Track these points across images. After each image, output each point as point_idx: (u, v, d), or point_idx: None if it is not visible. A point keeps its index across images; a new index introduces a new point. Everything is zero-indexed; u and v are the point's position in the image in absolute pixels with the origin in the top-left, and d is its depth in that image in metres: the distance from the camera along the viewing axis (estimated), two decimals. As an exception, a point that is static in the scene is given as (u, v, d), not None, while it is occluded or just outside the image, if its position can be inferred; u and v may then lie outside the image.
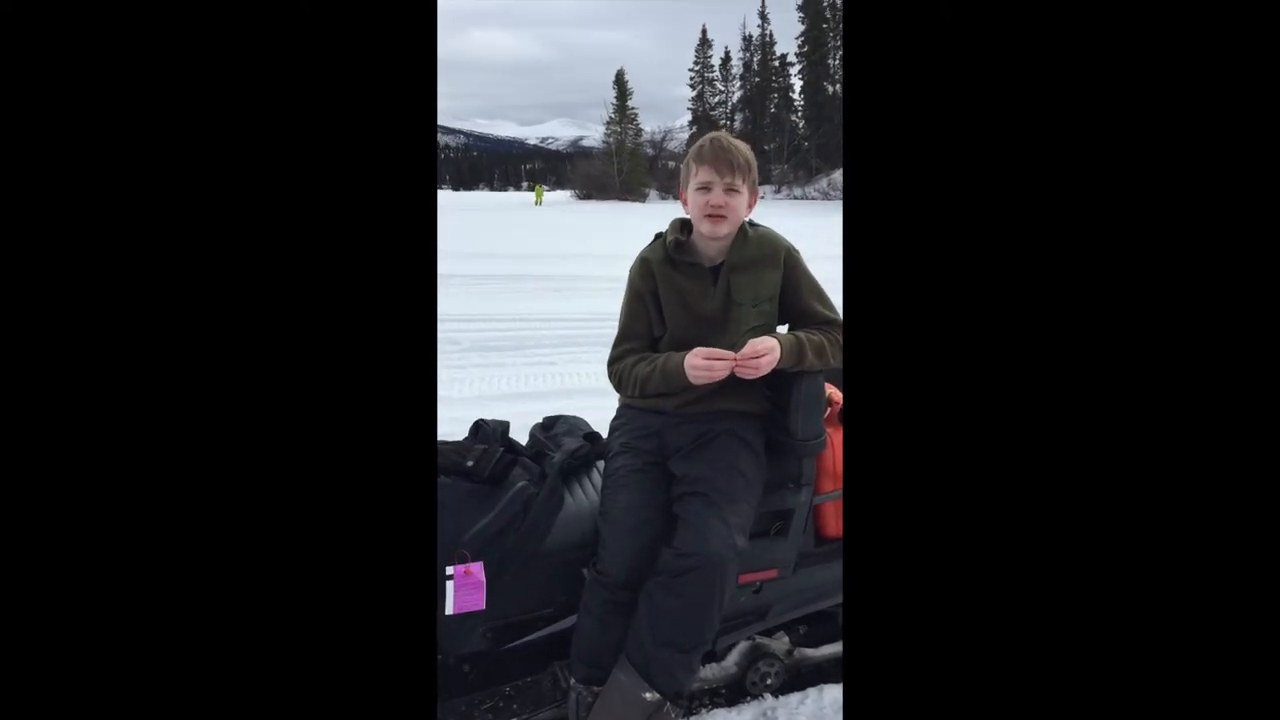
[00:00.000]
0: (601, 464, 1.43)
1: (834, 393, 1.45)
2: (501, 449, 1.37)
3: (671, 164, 41.51)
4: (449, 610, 1.20)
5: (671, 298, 1.35)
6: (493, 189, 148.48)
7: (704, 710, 1.44)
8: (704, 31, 42.99)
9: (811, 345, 1.29)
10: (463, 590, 1.21)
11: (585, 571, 1.28)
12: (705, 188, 1.29)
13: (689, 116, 43.49)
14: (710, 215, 1.29)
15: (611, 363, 1.40)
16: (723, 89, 42.47)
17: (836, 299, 1.22)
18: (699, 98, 42.46)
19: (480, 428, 1.46)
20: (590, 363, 4.01)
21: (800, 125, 38.26)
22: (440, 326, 4.72)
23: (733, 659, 1.47)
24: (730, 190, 1.29)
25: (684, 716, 1.28)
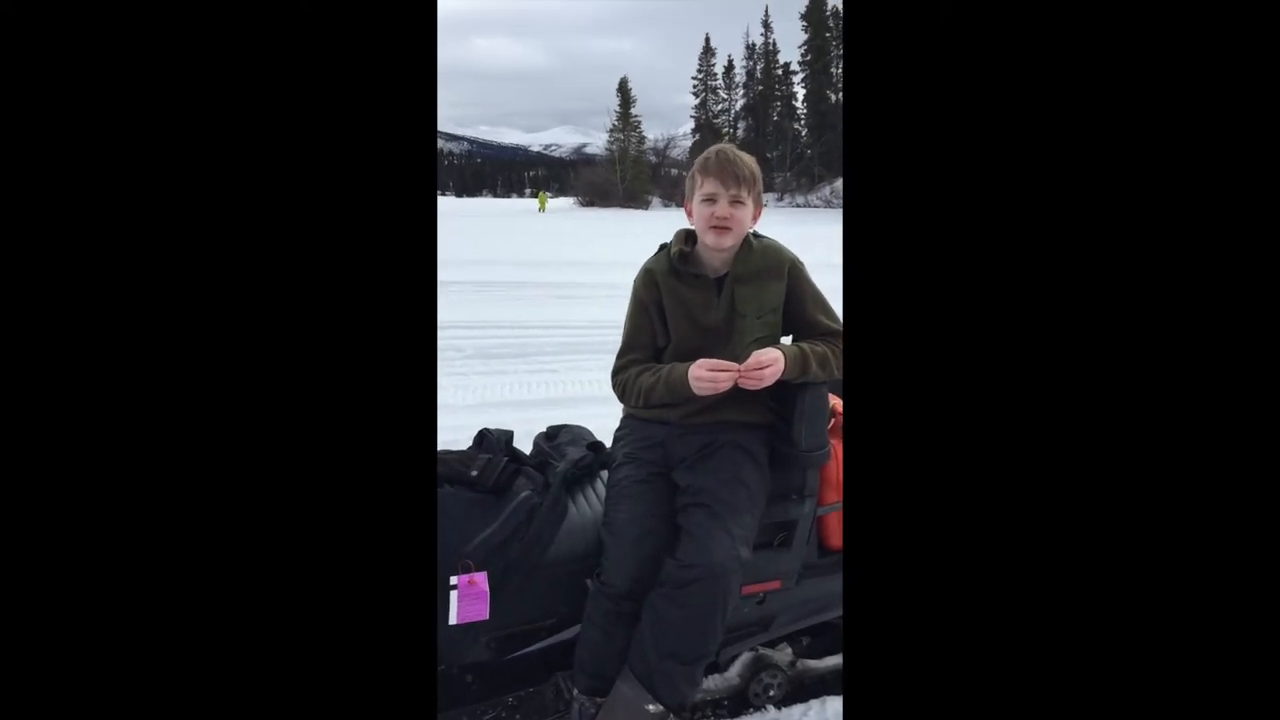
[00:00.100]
0: (605, 474, 1.43)
1: (838, 404, 1.45)
2: (505, 458, 1.37)
3: (674, 171, 41.65)
4: (452, 620, 1.20)
5: (676, 309, 1.35)
6: (496, 195, 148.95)
7: (706, 721, 1.43)
8: (707, 40, 43.21)
9: (815, 356, 1.30)
10: (466, 600, 1.21)
11: (589, 582, 1.28)
12: (711, 199, 1.30)
13: (692, 124, 43.64)
14: (715, 227, 1.30)
15: (616, 373, 1.41)
16: (726, 97, 42.63)
17: (839, 309, 1.22)
18: (702, 105, 42.60)
19: (484, 437, 1.46)
20: (592, 370, 4.01)
21: (803, 133, 38.36)
22: (443, 333, 4.74)
23: (736, 670, 1.47)
24: (736, 202, 1.29)
25: (687, 728, 1.28)
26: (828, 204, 30.32)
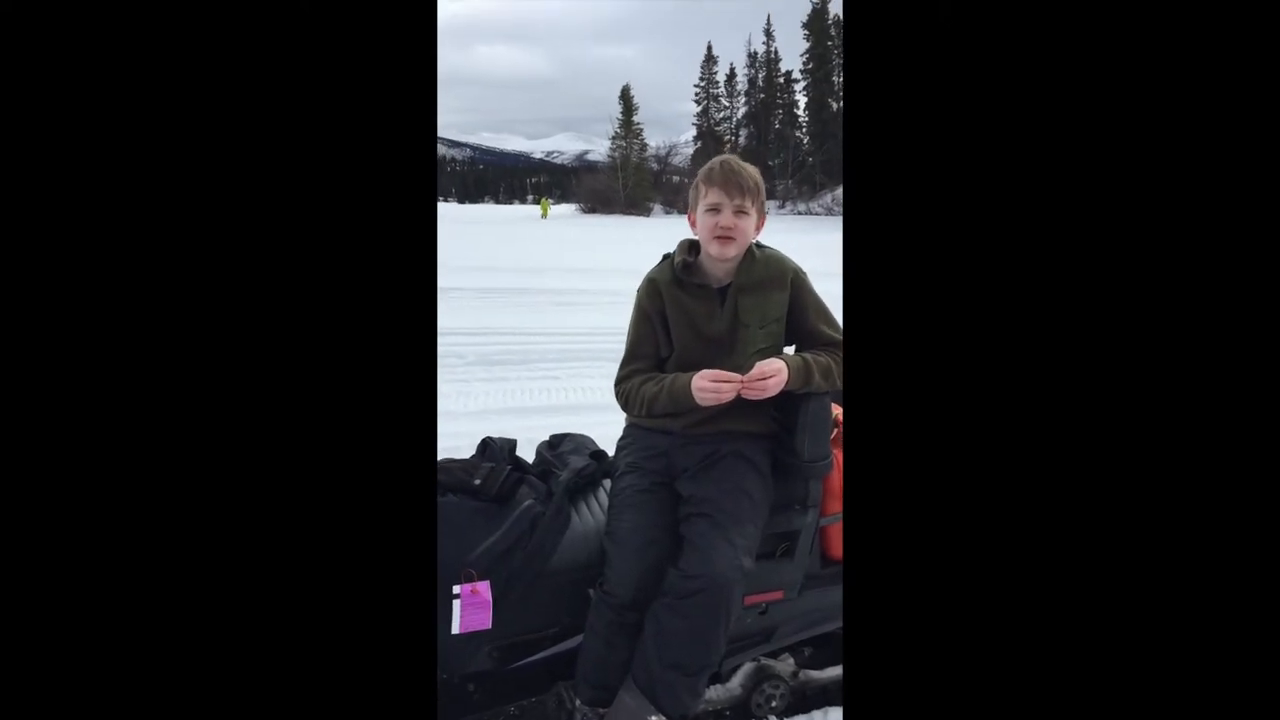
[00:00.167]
0: (608, 483, 1.43)
1: (841, 414, 1.45)
2: (509, 467, 1.37)
3: (676, 178, 41.73)
4: (455, 629, 1.20)
5: (679, 318, 1.36)
6: (498, 202, 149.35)
7: (708, 732, 1.43)
8: (709, 48, 43.42)
9: (818, 367, 1.30)
10: (469, 609, 1.21)
11: (591, 592, 1.28)
12: (715, 209, 1.31)
13: (694, 132, 43.81)
14: (719, 237, 1.30)
15: (619, 382, 1.41)
16: (728, 105, 42.79)
17: (840, 317, 1.22)
18: (704, 113, 42.77)
19: (488, 446, 1.46)
20: (594, 378, 4.02)
21: (805, 141, 38.47)
22: (444, 340, 4.74)
23: (738, 680, 1.47)
24: (739, 212, 1.30)
25: (689, 739, 1.27)
26: (829, 212, 30.38)
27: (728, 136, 42.14)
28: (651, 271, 1.42)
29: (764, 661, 1.47)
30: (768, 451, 1.36)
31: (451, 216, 28.87)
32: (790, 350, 1.41)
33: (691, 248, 1.40)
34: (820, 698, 1.51)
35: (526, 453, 1.51)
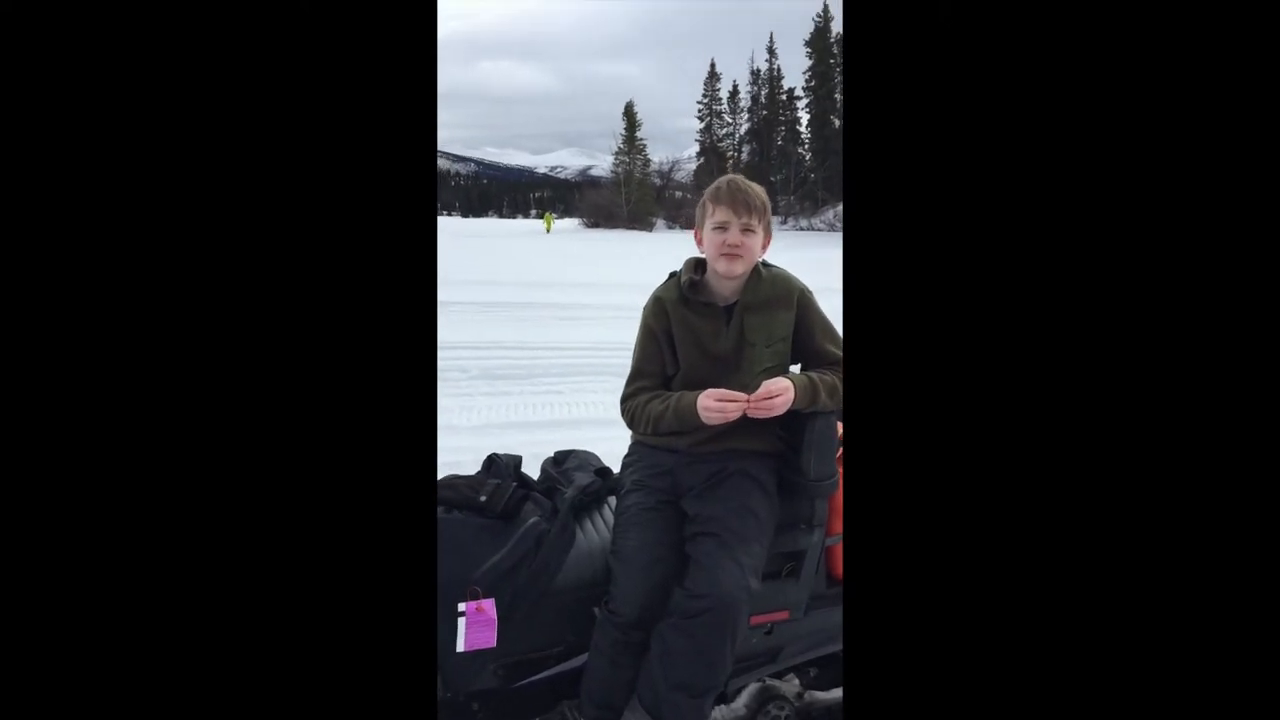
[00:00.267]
0: (613, 500, 1.43)
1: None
2: (514, 484, 1.37)
3: (679, 194, 41.91)
4: (460, 647, 1.20)
5: (685, 337, 1.36)
6: (501, 216, 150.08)
7: (713, 754, 1.41)
8: (713, 65, 43.78)
9: (825, 386, 1.30)
10: (474, 627, 1.20)
11: (596, 610, 1.27)
12: (722, 227, 1.32)
13: (697, 148, 44.08)
14: (727, 254, 1.31)
15: (624, 400, 1.41)
16: (730, 121, 43.06)
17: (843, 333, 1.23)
18: (707, 130, 43.04)
19: (493, 462, 1.46)
20: (597, 392, 4.02)
21: (807, 158, 38.69)
22: (447, 354, 4.75)
23: (743, 701, 1.46)
24: (746, 230, 1.31)
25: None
26: (831, 227, 30.49)
27: (730, 153, 42.40)
28: (658, 290, 1.42)
29: (769, 682, 1.46)
30: (773, 470, 1.36)
31: (455, 230, 29.01)
32: (796, 369, 1.41)
33: (698, 266, 1.41)
34: (825, 718, 1.50)
35: (531, 468, 1.51)
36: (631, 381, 1.41)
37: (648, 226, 36.30)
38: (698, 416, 1.26)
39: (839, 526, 1.40)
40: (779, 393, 1.24)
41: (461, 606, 1.20)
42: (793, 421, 1.34)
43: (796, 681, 1.50)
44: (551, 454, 1.62)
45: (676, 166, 44.98)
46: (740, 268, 1.33)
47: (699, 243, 1.39)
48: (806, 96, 38.94)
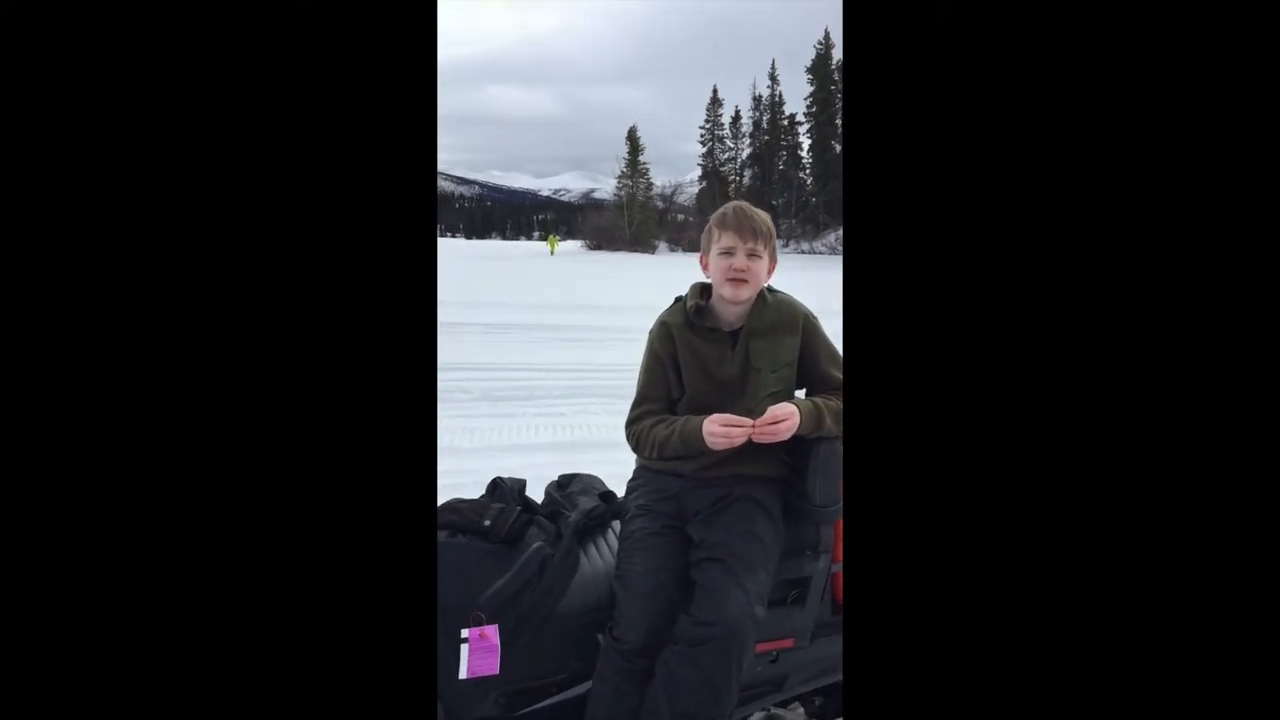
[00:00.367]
0: (617, 524, 1.42)
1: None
2: (518, 508, 1.37)
3: (681, 217, 42.25)
4: (462, 674, 1.18)
5: (691, 361, 1.37)
6: (505, 238, 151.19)
7: (717, 785, 1.39)
8: (715, 91, 44.38)
9: (830, 411, 1.30)
10: (477, 653, 1.19)
11: (600, 637, 1.26)
12: (728, 252, 1.33)
13: (699, 172, 44.53)
14: (733, 279, 1.32)
15: (630, 424, 1.42)
16: (732, 146, 43.53)
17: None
18: (709, 154, 43.49)
19: (497, 486, 1.46)
20: (599, 414, 4.02)
21: (808, 182, 39.03)
22: (450, 375, 4.76)
23: (747, 731, 1.43)
24: (752, 255, 1.32)
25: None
26: (833, 251, 30.68)
27: (732, 177, 42.80)
28: (663, 314, 1.43)
29: (774, 711, 1.44)
30: (779, 496, 1.35)
31: (458, 252, 29.21)
32: (801, 394, 1.41)
33: (703, 291, 1.42)
34: (831, 750, 1.48)
35: (535, 491, 1.51)
36: (637, 405, 1.42)
37: (650, 249, 36.56)
38: (703, 441, 1.26)
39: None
40: (784, 418, 1.24)
41: (465, 632, 1.19)
42: (798, 447, 1.34)
43: (802, 710, 1.48)
44: (555, 477, 1.62)
45: (679, 190, 45.46)
46: (746, 293, 1.34)
47: (704, 268, 1.40)
48: (808, 122, 39.42)
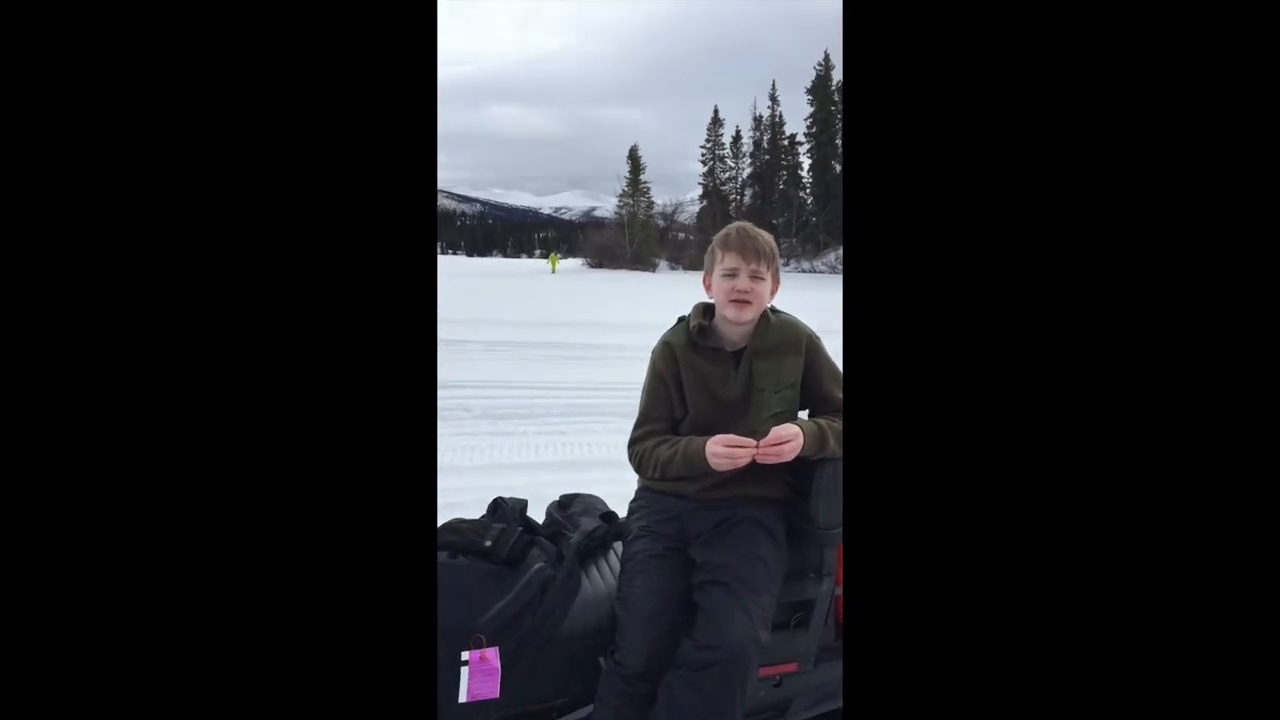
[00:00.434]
0: (619, 545, 1.41)
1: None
2: (520, 529, 1.36)
3: (681, 235, 42.46)
4: (462, 697, 1.17)
5: (694, 381, 1.37)
6: (506, 255, 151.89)
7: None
8: (715, 111, 44.77)
9: (834, 432, 1.30)
10: (477, 676, 1.17)
11: (601, 660, 1.24)
12: (731, 274, 1.33)
13: (700, 191, 44.82)
14: (736, 300, 1.32)
15: (632, 444, 1.41)
16: (733, 165, 43.84)
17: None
18: (710, 173, 43.77)
19: (499, 506, 1.45)
20: (600, 433, 4.01)
21: (808, 201, 39.27)
22: (451, 393, 4.76)
23: (750, 757, 1.41)
24: (755, 277, 1.33)
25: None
26: (833, 270, 30.79)
27: (733, 196, 43.07)
28: (666, 334, 1.43)
29: (777, 737, 1.42)
30: (782, 517, 1.35)
31: (460, 270, 29.32)
32: (804, 415, 1.41)
33: (706, 311, 1.42)
34: (835, 777, 1.45)
35: (536, 510, 1.50)
36: (639, 425, 1.41)
37: (651, 267, 36.71)
38: (706, 462, 1.26)
39: (849, 575, 1.38)
40: (788, 439, 1.23)
41: (465, 655, 1.17)
42: (801, 468, 1.33)
43: (805, 736, 1.45)
44: (557, 497, 1.61)
45: (679, 209, 45.70)
46: (749, 314, 1.34)
47: (708, 288, 1.41)
48: (808, 142, 39.74)
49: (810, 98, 38.68)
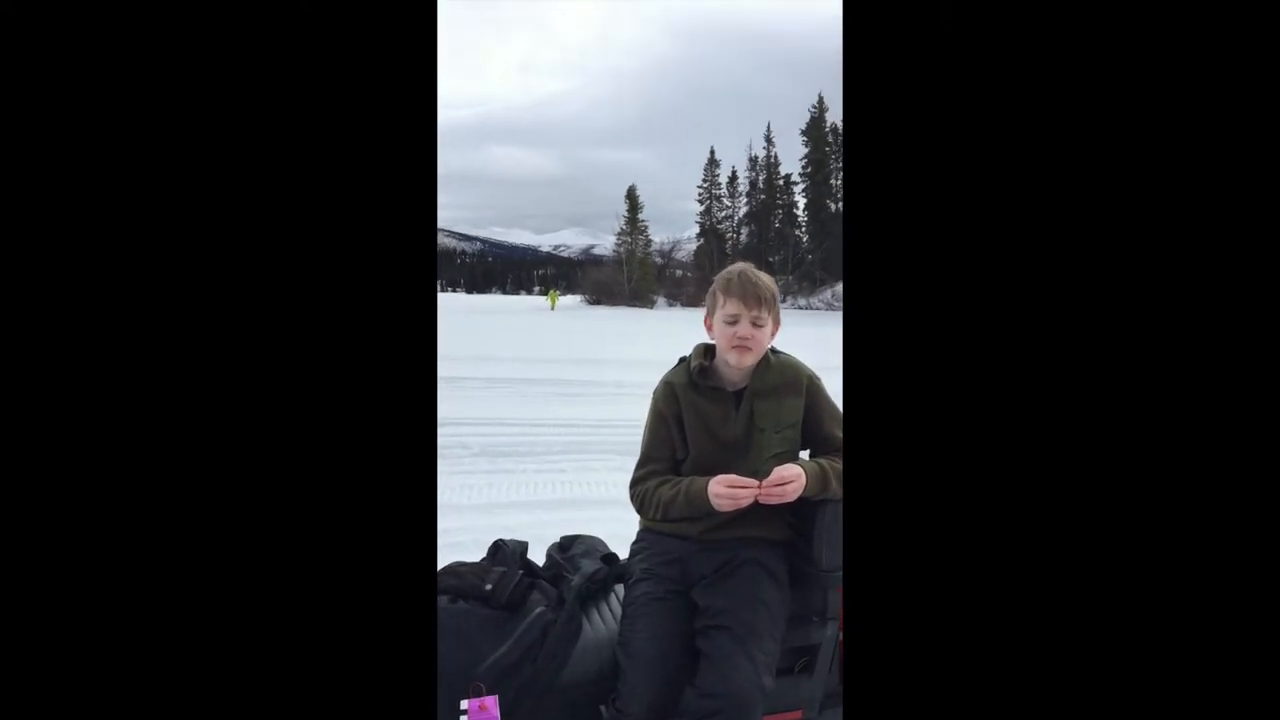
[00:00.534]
0: (620, 587, 1.40)
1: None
2: (520, 572, 1.34)
3: (679, 272, 42.80)
4: (460, 748, 1.14)
5: (695, 421, 1.37)
6: (505, 292, 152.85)
7: None
8: (712, 152, 45.57)
9: (835, 473, 1.30)
10: (475, 726, 1.15)
11: (603, 709, 1.22)
12: (733, 320, 1.34)
13: (697, 229, 45.34)
14: (737, 347, 1.33)
15: (634, 484, 1.41)
16: (729, 204, 44.44)
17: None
18: (707, 212, 44.35)
19: (499, 548, 1.44)
20: (600, 471, 3.98)
21: (804, 240, 39.72)
22: (450, 430, 4.74)
23: (755, 809, 1.37)
24: (757, 323, 1.33)
25: None
26: (829, 306, 30.99)
27: (730, 234, 43.58)
28: (668, 375, 1.44)
29: (783, 788, 1.38)
30: (785, 559, 1.34)
31: (459, 306, 29.47)
32: (805, 455, 1.41)
33: (707, 351, 1.43)
34: (843, 830, 1.41)
35: (536, 549, 1.49)
36: (641, 466, 1.41)
37: (649, 304, 36.94)
38: (708, 502, 1.25)
39: (853, 619, 1.36)
40: (790, 479, 1.23)
41: (464, 704, 1.15)
42: (804, 509, 1.33)
43: (811, 787, 1.41)
44: (557, 538, 1.60)
45: (677, 246, 46.18)
46: (750, 360, 1.35)
47: (709, 329, 1.42)
48: (803, 182, 40.38)
49: (805, 139, 39.44)
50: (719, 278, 1.40)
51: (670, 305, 36.42)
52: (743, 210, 43.90)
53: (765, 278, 1.38)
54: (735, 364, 1.35)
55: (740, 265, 1.40)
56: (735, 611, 1.21)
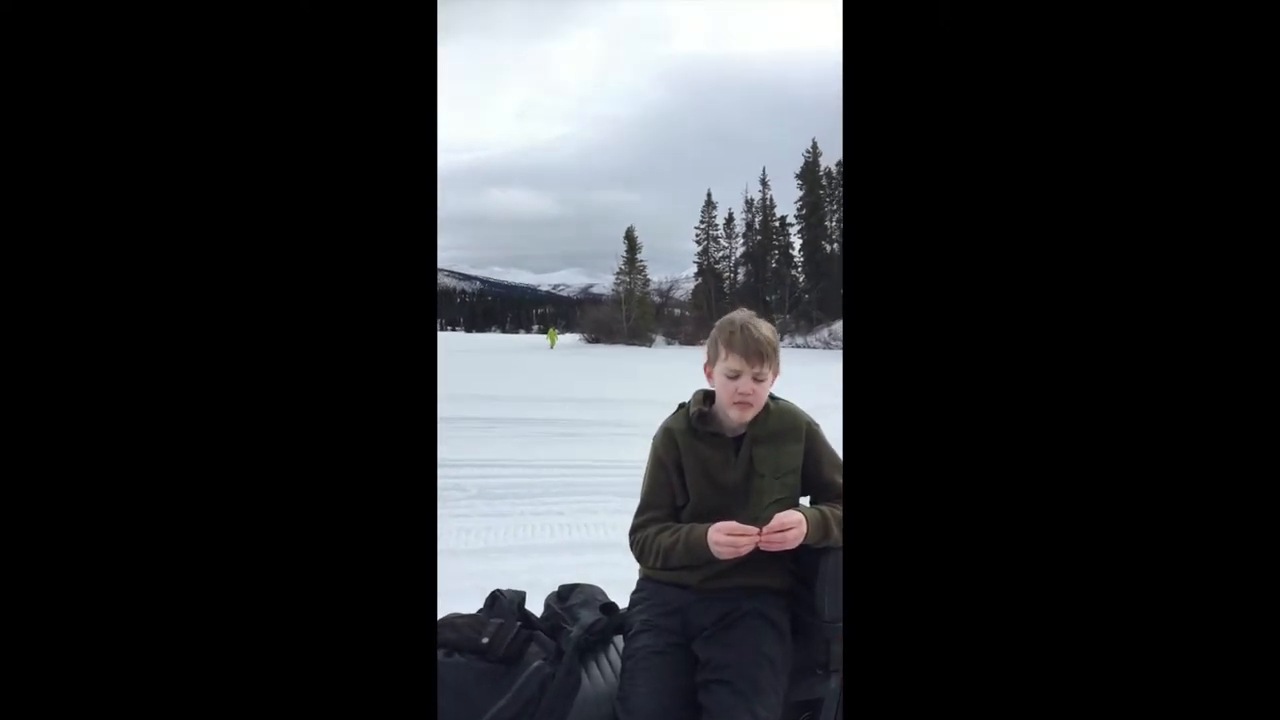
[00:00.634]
0: (619, 639, 1.37)
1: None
2: (518, 624, 1.32)
3: (678, 311, 43.06)
4: (454, 810, 1.10)
5: (694, 467, 1.36)
6: (504, 331, 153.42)
7: None
8: (709, 195, 46.27)
9: (836, 519, 1.29)
10: (470, 787, 1.11)
11: (602, 767, 1.18)
12: (734, 375, 1.33)
13: (695, 268, 45.75)
14: (739, 403, 1.33)
15: (634, 531, 1.39)
16: (726, 245, 44.96)
17: (838, 446, 1.21)
18: (704, 252, 44.83)
19: (496, 599, 1.42)
20: (599, 513, 3.94)
21: (800, 279, 40.08)
22: (447, 472, 4.70)
23: None
24: (758, 379, 1.33)
25: None
26: (826, 345, 31.10)
27: (727, 274, 43.98)
28: (667, 420, 1.44)
29: None
30: (786, 609, 1.32)
31: (458, 346, 29.53)
32: (806, 502, 1.40)
33: (706, 397, 1.43)
34: None
35: (534, 598, 1.46)
36: (641, 513, 1.40)
37: (647, 342, 37.06)
38: (708, 550, 1.24)
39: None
40: (791, 525, 1.22)
41: (459, 762, 1.12)
42: (805, 557, 1.31)
43: None
44: (555, 586, 1.57)
45: (675, 285, 46.64)
46: (751, 414, 1.35)
47: (709, 376, 1.42)
48: (798, 223, 40.94)
49: (800, 182, 40.13)
50: (721, 326, 1.39)
51: (669, 343, 36.52)
52: (739, 250, 44.41)
53: (766, 330, 1.36)
54: (736, 419, 1.35)
55: (743, 316, 1.38)
56: (737, 665, 1.19)
